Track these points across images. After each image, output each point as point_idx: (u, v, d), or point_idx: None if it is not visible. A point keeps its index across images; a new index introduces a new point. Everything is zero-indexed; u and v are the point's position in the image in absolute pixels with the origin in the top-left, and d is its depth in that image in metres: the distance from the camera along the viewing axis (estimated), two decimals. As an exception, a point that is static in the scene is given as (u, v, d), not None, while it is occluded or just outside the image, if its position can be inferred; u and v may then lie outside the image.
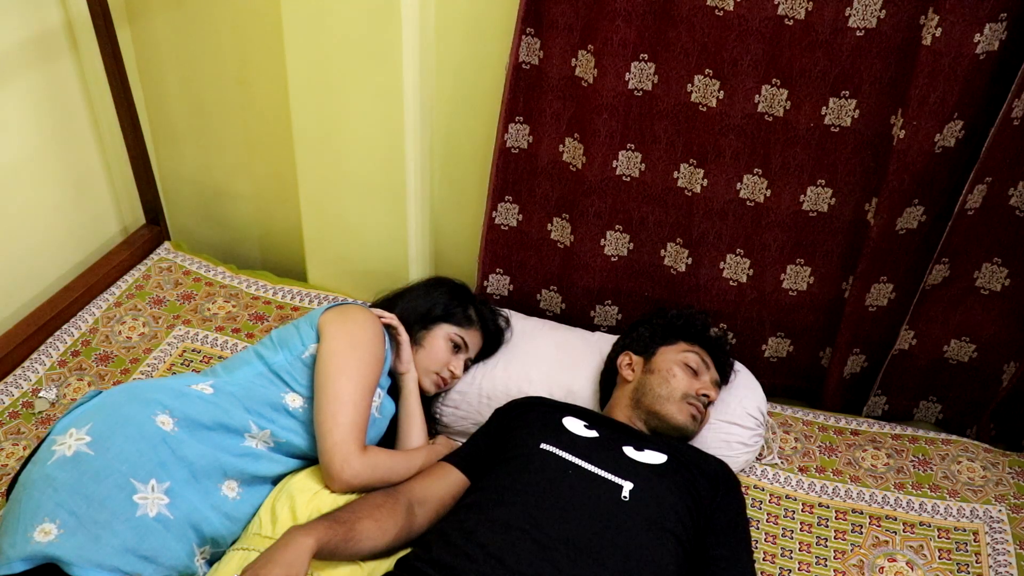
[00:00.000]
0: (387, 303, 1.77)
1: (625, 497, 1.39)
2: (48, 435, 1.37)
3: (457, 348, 1.73)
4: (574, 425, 1.55)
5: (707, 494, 1.48)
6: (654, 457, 1.50)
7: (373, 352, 1.53)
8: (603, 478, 1.42)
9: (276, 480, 1.50)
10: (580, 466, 1.44)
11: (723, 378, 1.75)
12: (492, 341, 1.84)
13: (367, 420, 1.50)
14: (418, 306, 1.73)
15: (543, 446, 1.48)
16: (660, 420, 1.61)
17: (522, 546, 1.29)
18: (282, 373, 1.52)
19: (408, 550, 1.40)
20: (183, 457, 1.36)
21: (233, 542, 1.43)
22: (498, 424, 1.64)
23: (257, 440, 1.46)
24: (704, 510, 1.46)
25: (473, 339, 1.77)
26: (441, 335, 1.71)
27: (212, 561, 1.40)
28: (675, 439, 1.62)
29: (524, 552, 1.29)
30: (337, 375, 1.47)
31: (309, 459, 1.52)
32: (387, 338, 1.61)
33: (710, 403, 1.67)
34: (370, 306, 1.75)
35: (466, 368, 1.79)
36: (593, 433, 1.54)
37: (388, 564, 1.38)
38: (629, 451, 1.50)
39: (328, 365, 1.48)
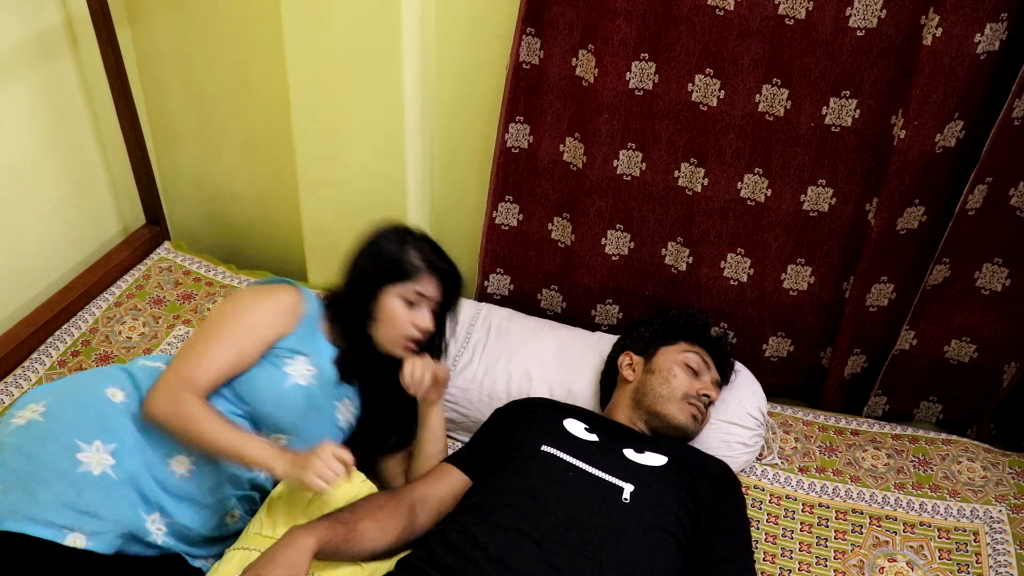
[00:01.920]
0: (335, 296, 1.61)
1: (626, 499, 1.39)
2: (10, 410, 1.42)
3: (412, 304, 1.54)
4: (575, 427, 1.55)
5: (708, 495, 1.48)
6: (654, 459, 1.50)
7: (242, 318, 1.45)
8: (604, 480, 1.42)
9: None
10: (581, 468, 1.44)
11: (724, 378, 1.75)
12: (447, 280, 1.59)
13: (216, 370, 1.41)
14: (354, 282, 1.57)
15: (544, 448, 1.48)
16: (661, 420, 1.61)
17: (523, 548, 1.29)
18: None
19: (409, 551, 1.40)
20: (128, 425, 1.39)
21: (233, 541, 1.42)
22: (499, 425, 1.64)
23: None
24: (705, 511, 1.46)
25: (428, 287, 1.55)
26: (390, 299, 1.53)
27: (177, 538, 1.39)
28: (676, 440, 1.62)
29: (525, 554, 1.29)
30: (194, 335, 1.47)
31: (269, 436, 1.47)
32: (308, 313, 1.50)
33: (711, 403, 1.67)
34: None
35: (438, 320, 1.60)
36: (594, 436, 1.54)
37: (389, 565, 1.38)
38: (629, 453, 1.50)
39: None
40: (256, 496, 1.52)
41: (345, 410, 1.56)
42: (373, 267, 1.55)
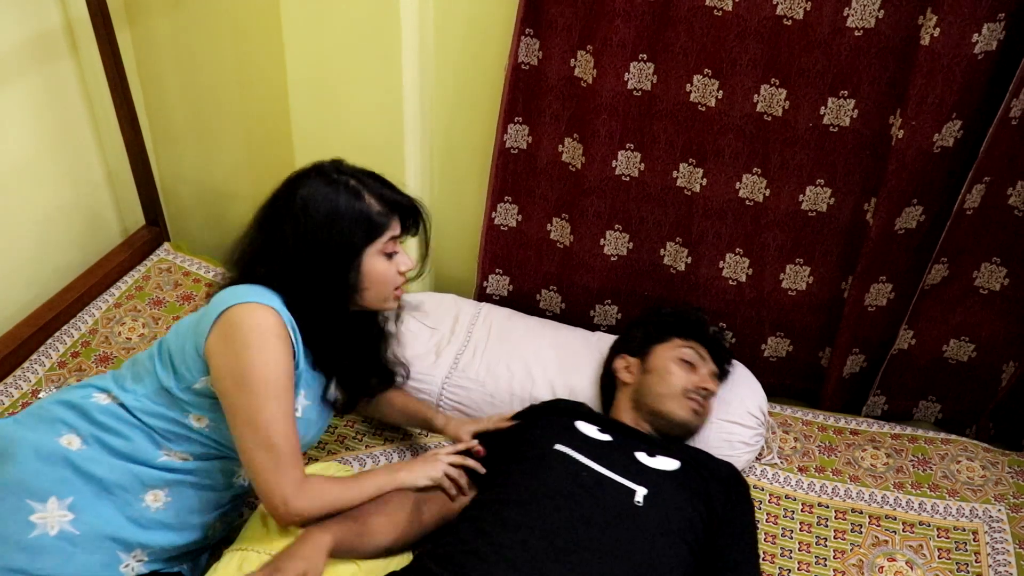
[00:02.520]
0: (258, 273, 1.37)
1: (639, 502, 1.38)
2: None
3: (393, 253, 1.41)
4: (588, 429, 1.55)
5: (720, 499, 1.47)
6: (667, 463, 1.50)
7: (273, 382, 1.29)
8: (616, 482, 1.41)
9: (212, 486, 1.40)
10: (593, 469, 1.43)
11: (721, 371, 1.75)
12: (411, 212, 1.46)
13: (294, 448, 1.32)
14: (322, 263, 1.35)
15: (557, 447, 1.47)
16: (663, 418, 1.61)
17: (534, 545, 1.29)
18: (177, 398, 1.35)
19: (419, 548, 1.41)
20: (89, 473, 1.29)
21: (229, 543, 1.42)
22: (512, 427, 1.63)
23: (173, 455, 1.37)
24: (717, 515, 1.45)
25: (397, 227, 1.42)
26: (372, 261, 1.38)
27: (156, 561, 1.35)
28: (683, 441, 1.62)
29: (536, 552, 1.28)
30: (244, 427, 1.29)
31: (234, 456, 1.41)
32: (293, 335, 1.33)
33: (710, 395, 1.66)
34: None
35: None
36: (607, 437, 1.54)
37: (387, 564, 1.38)
38: (642, 456, 1.50)
39: (232, 416, 1.30)
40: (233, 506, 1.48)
41: (333, 385, 1.50)
42: (342, 237, 1.34)
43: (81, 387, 1.40)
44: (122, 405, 1.35)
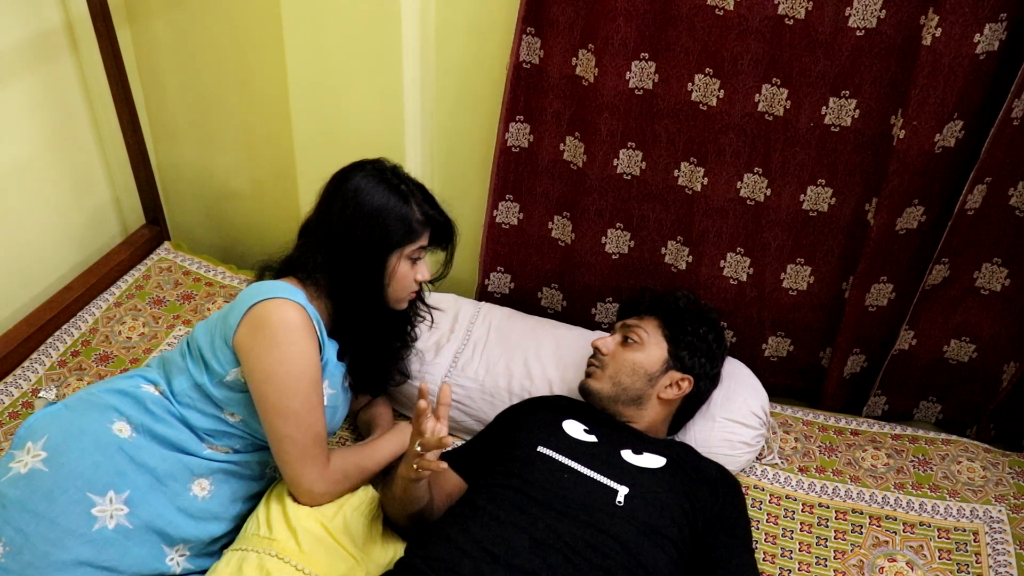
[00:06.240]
0: (294, 263, 1.49)
1: (620, 502, 1.39)
2: (9, 449, 1.36)
3: (417, 259, 1.51)
4: (574, 429, 1.55)
5: (707, 497, 1.48)
6: (653, 461, 1.50)
7: (300, 376, 1.37)
8: (598, 482, 1.42)
9: (250, 476, 1.47)
10: (576, 470, 1.44)
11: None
12: (444, 233, 1.56)
13: (320, 433, 1.41)
14: (359, 255, 1.44)
15: (540, 449, 1.48)
16: (584, 396, 1.66)
17: (518, 543, 1.30)
18: (211, 395, 1.42)
19: (408, 545, 1.41)
20: (143, 464, 1.35)
21: (228, 542, 1.43)
22: (502, 425, 1.65)
23: (217, 449, 1.43)
24: (703, 513, 1.46)
25: (427, 238, 1.52)
26: (400, 263, 1.47)
27: (198, 556, 1.40)
28: (676, 441, 1.62)
29: (519, 549, 1.29)
30: (272, 419, 1.37)
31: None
32: (319, 328, 1.41)
33: (603, 355, 1.66)
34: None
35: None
36: (592, 437, 1.54)
37: (385, 562, 1.39)
38: (627, 455, 1.50)
39: (261, 408, 1.37)
40: None
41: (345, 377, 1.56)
42: (383, 231, 1.43)
43: (129, 377, 1.46)
44: (168, 399, 1.41)
